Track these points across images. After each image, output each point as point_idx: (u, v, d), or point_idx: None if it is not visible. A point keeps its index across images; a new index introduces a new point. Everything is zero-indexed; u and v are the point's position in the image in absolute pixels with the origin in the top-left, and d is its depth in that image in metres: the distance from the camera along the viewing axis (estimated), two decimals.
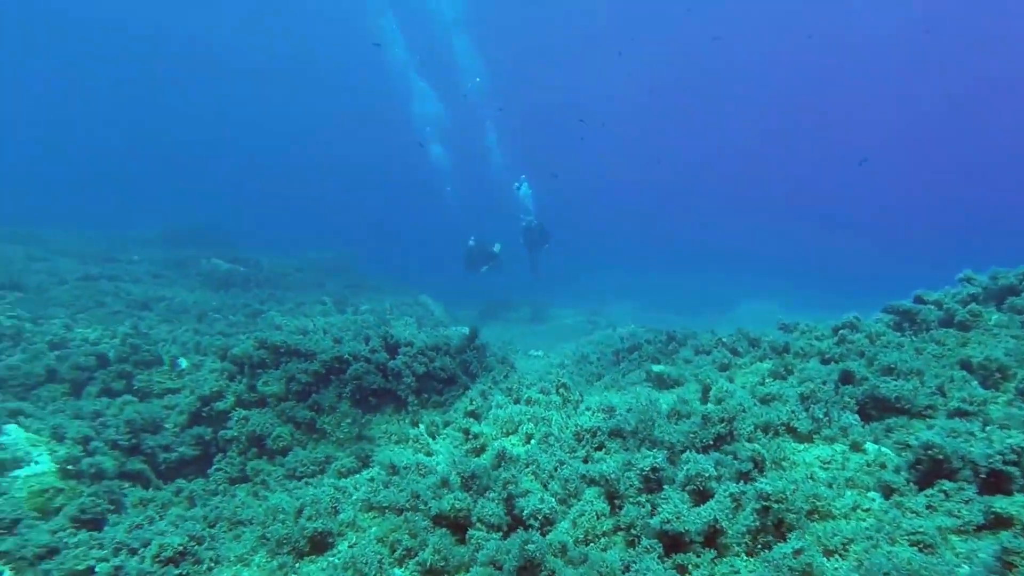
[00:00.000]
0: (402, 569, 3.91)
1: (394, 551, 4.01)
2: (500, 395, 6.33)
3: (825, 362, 6.65)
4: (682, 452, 4.34)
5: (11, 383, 7.23)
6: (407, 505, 4.36)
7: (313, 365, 7.30)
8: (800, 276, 30.30)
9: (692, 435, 4.60)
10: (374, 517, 4.52)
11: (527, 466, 4.53)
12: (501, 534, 3.99)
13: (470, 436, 5.36)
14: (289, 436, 6.73)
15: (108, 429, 6.35)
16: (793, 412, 4.92)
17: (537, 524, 3.91)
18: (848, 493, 4.15)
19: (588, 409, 5.60)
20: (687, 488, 3.94)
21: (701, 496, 3.91)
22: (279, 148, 56.17)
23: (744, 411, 4.95)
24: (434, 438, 6.23)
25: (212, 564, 3.96)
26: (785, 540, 3.58)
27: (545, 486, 4.37)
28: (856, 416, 5.01)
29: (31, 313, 9.77)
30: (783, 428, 4.93)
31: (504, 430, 5.47)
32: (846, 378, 5.58)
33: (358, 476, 6.03)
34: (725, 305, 24.27)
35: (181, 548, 3.71)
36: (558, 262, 23.26)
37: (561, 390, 5.95)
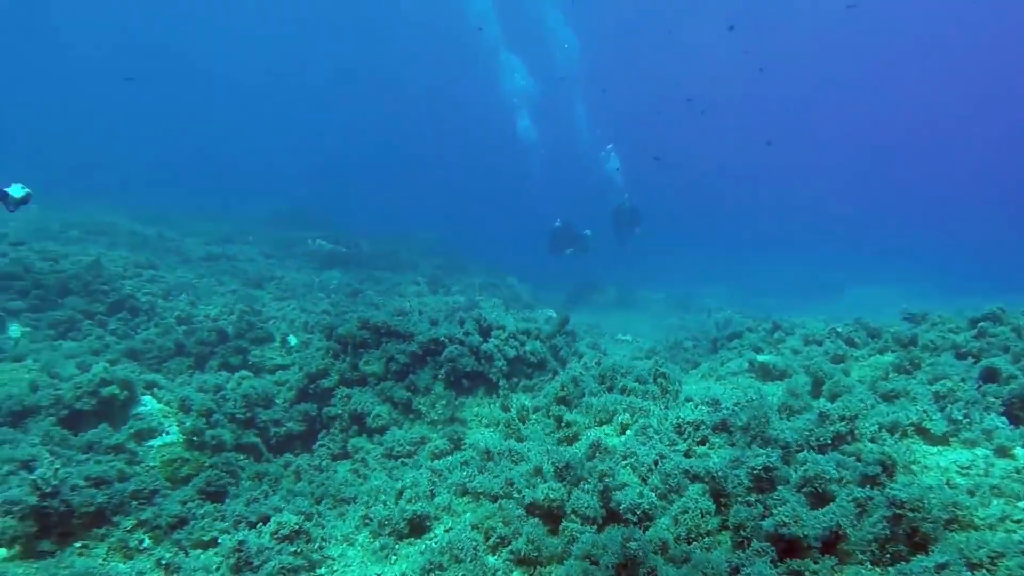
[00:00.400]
0: (495, 557, 3.90)
1: (488, 538, 4.01)
2: (593, 382, 6.18)
3: (960, 357, 5.96)
4: (797, 452, 4.02)
5: (146, 355, 7.99)
6: (501, 492, 4.35)
7: (411, 346, 7.49)
8: (918, 261, 27.44)
9: (808, 433, 4.25)
10: (469, 502, 4.55)
11: (624, 458, 4.38)
12: (596, 527, 3.89)
13: (562, 424, 5.27)
14: (387, 415, 6.96)
15: (227, 403, 6.85)
16: (925, 412, 4.42)
17: (635, 519, 3.77)
18: (994, 502, 3.68)
19: (689, 400, 5.34)
20: (803, 490, 3.64)
21: (819, 499, 3.60)
22: (373, 132, 58.37)
23: (867, 409, 4.52)
24: (524, 423, 6.20)
25: (323, 543, 4.17)
26: (918, 551, 3.23)
27: (644, 480, 4.20)
28: (1003, 418, 4.42)
29: (163, 290, 10.75)
30: (912, 429, 4.45)
31: (597, 419, 5.33)
32: (989, 376, 4.95)
33: (451, 458, 6.14)
34: (832, 290, 22.55)
35: (296, 527, 3.92)
36: (648, 243, 22.48)
37: (659, 379, 5.71)
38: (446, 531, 4.32)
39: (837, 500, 3.52)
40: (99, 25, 48.76)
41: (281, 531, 3.86)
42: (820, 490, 3.60)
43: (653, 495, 3.88)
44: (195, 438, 6.09)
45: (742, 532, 3.48)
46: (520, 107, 28.65)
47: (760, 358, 7.02)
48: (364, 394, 7.19)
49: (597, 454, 4.43)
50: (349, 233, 21.34)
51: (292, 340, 8.87)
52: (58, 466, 3.98)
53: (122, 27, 48.91)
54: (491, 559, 3.91)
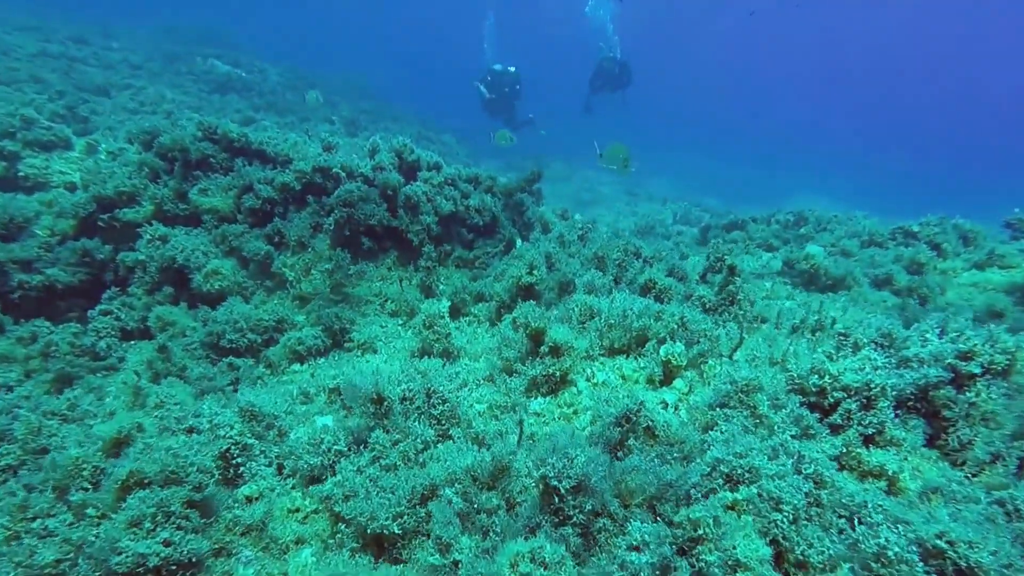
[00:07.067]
0: None
1: None
2: (579, 266, 3.37)
3: None
4: None
5: None
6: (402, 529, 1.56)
7: (284, 176, 4.31)
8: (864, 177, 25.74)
9: None
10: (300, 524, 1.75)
11: (713, 469, 1.66)
12: None
13: (540, 342, 2.43)
14: (230, 275, 3.91)
15: None
16: None
17: None
18: None
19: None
20: None
21: None
22: None
23: None
24: (457, 318, 3.42)
25: None
26: None
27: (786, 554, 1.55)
28: None
29: None
30: None
31: (606, 342, 2.55)
32: None
33: (323, 365, 3.31)
34: (779, 195, 20.56)
35: None
36: (602, 127, 19.07)
37: (719, 266, 2.95)
38: None
39: None
40: None
41: None
42: None
43: None
44: None
45: None
46: None
47: (810, 248, 4.44)
48: (194, 238, 4.06)
49: (630, 443, 1.68)
50: (258, 58, 16.29)
51: (103, 149, 5.32)
52: None
53: None
54: None
